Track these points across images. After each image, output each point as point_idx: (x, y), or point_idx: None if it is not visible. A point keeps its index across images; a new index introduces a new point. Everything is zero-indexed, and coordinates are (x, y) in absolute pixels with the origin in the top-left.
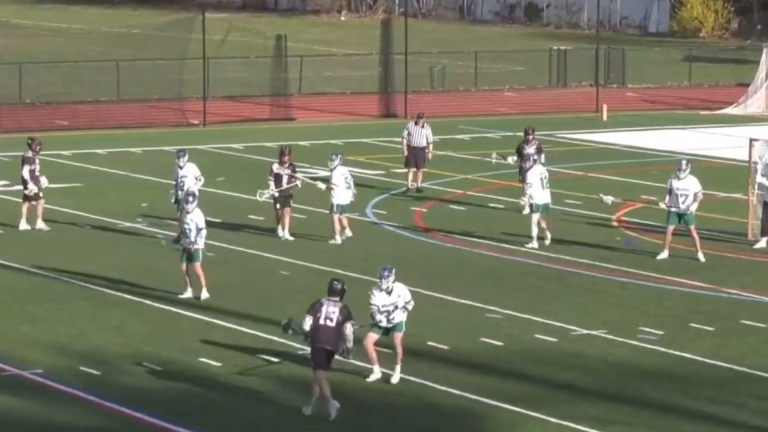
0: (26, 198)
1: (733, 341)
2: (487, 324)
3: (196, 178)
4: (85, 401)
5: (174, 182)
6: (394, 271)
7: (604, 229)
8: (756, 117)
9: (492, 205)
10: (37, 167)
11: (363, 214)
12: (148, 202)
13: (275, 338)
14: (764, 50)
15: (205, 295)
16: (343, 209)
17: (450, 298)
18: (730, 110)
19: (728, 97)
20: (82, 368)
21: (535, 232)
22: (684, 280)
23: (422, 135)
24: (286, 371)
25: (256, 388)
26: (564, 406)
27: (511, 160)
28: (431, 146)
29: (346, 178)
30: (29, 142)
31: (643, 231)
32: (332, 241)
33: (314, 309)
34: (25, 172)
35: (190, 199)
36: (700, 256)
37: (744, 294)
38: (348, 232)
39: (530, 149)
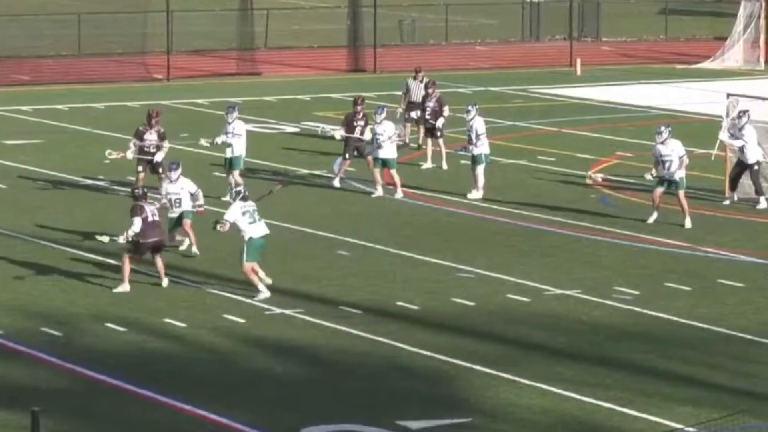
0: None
1: (710, 301)
2: (458, 283)
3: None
4: (46, 363)
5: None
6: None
7: (577, 187)
8: (733, 71)
9: (463, 162)
10: (146, 143)
11: (330, 170)
12: (110, 159)
13: (242, 299)
14: (742, 3)
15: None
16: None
17: (420, 257)
18: (706, 64)
19: (705, 51)
20: (43, 329)
21: (481, 182)
22: (659, 239)
23: (420, 90)
24: (254, 332)
25: (225, 351)
26: (536, 367)
27: (338, 135)
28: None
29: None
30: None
31: (618, 188)
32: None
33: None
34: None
35: (174, 166)
36: (687, 222)
37: (721, 252)
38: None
39: (361, 122)
